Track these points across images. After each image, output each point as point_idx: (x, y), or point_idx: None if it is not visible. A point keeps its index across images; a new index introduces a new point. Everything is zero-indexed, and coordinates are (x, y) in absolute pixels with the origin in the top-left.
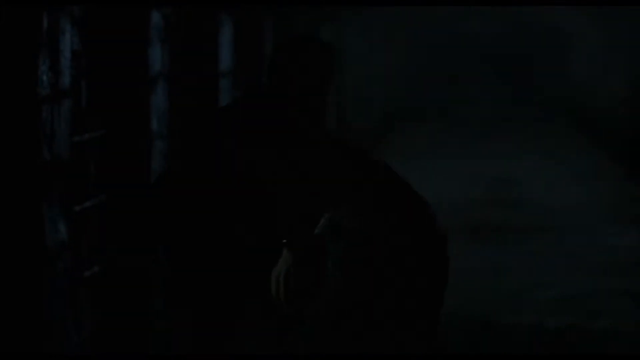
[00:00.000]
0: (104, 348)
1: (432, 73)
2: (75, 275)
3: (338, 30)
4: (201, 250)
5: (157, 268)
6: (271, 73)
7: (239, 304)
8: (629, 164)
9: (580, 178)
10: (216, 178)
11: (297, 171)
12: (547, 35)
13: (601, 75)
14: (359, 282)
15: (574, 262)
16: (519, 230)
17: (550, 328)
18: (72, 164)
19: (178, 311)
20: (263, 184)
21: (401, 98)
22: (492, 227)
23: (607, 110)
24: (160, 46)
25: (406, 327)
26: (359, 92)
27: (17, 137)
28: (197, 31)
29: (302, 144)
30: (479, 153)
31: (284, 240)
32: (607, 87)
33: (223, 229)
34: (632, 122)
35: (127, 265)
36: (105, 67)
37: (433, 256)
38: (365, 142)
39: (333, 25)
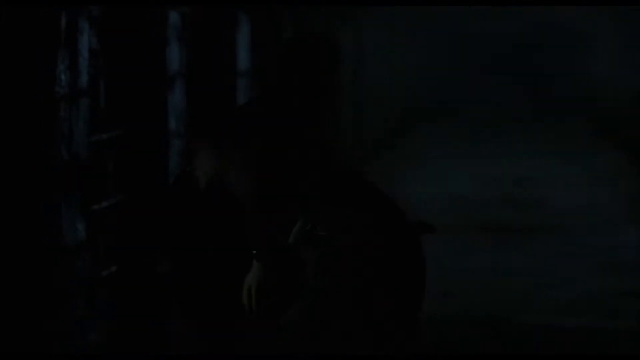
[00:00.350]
0: (121, 348)
1: (449, 73)
2: (93, 275)
3: (356, 29)
4: (207, 251)
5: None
6: (271, 72)
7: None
8: None
9: (595, 178)
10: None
11: (272, 176)
12: (564, 34)
13: (617, 75)
14: (335, 290)
15: (589, 262)
16: (533, 230)
17: (564, 328)
18: (90, 163)
19: (181, 311)
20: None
21: (417, 97)
22: (506, 227)
23: (623, 110)
24: (178, 45)
25: (384, 333)
26: (376, 91)
27: (35, 137)
28: (215, 31)
29: (283, 146)
30: (494, 153)
31: (253, 252)
32: (623, 86)
33: (230, 231)
34: None
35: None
36: (123, 66)
37: (410, 261)
38: (381, 141)
39: (351, 25)
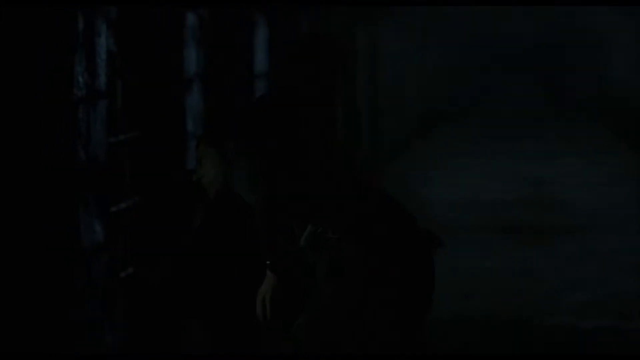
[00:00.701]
0: (138, 349)
1: (467, 73)
2: (111, 276)
3: (373, 30)
4: (216, 257)
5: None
6: (280, 74)
7: (245, 304)
8: None
9: (616, 179)
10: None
11: (281, 184)
12: (583, 35)
13: (637, 76)
14: (344, 295)
15: (610, 263)
16: (554, 231)
17: (584, 329)
18: (107, 164)
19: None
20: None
21: (436, 98)
22: (528, 228)
23: None
24: (195, 47)
25: (391, 338)
26: (394, 92)
27: (53, 138)
28: (232, 32)
29: (290, 154)
30: (514, 154)
31: (267, 262)
32: None
33: (240, 237)
34: None
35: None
36: (140, 68)
37: (418, 266)
38: (400, 142)
39: (368, 26)
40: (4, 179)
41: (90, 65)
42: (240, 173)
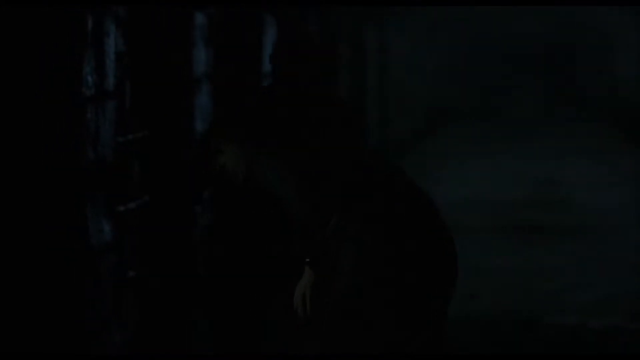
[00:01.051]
0: (147, 349)
1: (475, 73)
2: (119, 276)
3: (381, 29)
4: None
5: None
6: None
7: (265, 301)
8: None
9: (623, 178)
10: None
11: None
12: (591, 34)
13: None
14: (370, 286)
15: (617, 263)
16: (561, 230)
17: (592, 329)
18: (116, 164)
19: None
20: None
21: (443, 97)
22: (535, 228)
23: None
24: (204, 47)
25: (413, 330)
26: (402, 91)
27: (61, 138)
28: (241, 32)
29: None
30: (522, 153)
31: (307, 260)
32: None
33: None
34: None
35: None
36: (149, 68)
37: (441, 258)
38: (408, 141)
39: (376, 25)
40: (12, 179)
41: (99, 65)
42: (269, 169)
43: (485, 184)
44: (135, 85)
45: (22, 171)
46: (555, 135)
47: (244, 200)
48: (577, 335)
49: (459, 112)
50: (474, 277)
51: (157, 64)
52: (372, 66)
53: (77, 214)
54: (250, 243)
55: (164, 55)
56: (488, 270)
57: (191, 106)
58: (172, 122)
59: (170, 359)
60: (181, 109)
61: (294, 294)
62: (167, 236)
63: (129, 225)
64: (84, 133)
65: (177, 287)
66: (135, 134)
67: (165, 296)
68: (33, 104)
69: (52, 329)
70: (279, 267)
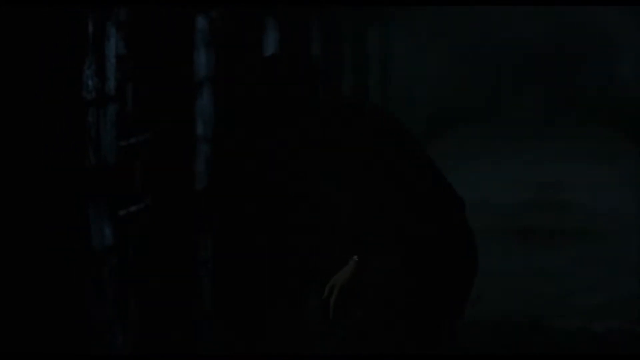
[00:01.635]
0: (149, 350)
1: (478, 75)
2: (121, 279)
3: (384, 31)
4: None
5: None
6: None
7: (271, 299)
8: None
9: (627, 182)
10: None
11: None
12: (593, 37)
13: None
14: (396, 289)
15: (621, 266)
16: (565, 233)
17: (597, 331)
18: (117, 167)
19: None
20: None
21: (447, 100)
22: (539, 231)
23: None
24: (205, 50)
25: (427, 334)
26: (405, 93)
27: (63, 141)
28: (243, 35)
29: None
30: (526, 156)
31: (355, 256)
32: None
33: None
34: None
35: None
36: (150, 71)
37: (462, 256)
38: None
39: (379, 27)
40: (15, 182)
41: (100, 69)
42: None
43: (489, 187)
44: (137, 88)
45: (25, 175)
46: (557, 138)
47: (243, 200)
48: (580, 338)
49: (460, 114)
50: (479, 280)
51: (159, 67)
52: (374, 69)
53: (79, 217)
54: (250, 243)
55: (166, 59)
56: (490, 272)
57: (193, 109)
58: (173, 125)
59: None
60: (183, 112)
61: (326, 284)
62: (168, 239)
63: (131, 228)
64: (86, 136)
65: (177, 287)
66: (137, 137)
67: (167, 297)
68: (34, 108)
69: (55, 330)
70: (279, 267)
